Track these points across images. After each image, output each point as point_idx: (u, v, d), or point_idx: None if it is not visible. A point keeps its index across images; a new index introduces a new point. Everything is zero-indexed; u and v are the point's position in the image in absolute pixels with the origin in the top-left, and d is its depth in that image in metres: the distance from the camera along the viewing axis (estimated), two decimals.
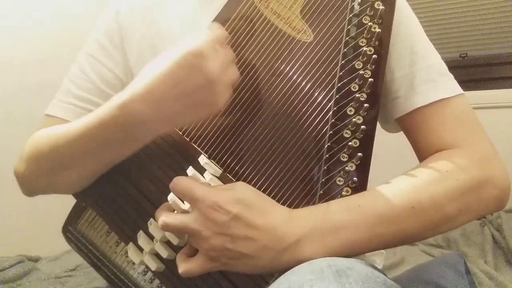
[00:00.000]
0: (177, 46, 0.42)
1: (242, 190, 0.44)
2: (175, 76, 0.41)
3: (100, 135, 0.45)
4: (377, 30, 0.47)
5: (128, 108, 0.42)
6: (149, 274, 0.53)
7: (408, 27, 0.55)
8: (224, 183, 0.48)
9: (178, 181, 0.45)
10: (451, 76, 0.54)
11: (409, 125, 0.54)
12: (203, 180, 0.48)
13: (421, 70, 0.53)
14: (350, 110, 0.47)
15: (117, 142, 0.46)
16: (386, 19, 0.48)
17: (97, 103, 0.60)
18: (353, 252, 0.44)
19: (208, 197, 0.42)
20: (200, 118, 0.48)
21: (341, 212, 0.44)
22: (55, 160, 0.50)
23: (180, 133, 0.51)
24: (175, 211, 0.47)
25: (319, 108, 0.48)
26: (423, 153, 0.53)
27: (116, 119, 0.43)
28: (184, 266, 0.44)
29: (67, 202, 0.57)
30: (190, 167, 0.50)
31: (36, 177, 0.54)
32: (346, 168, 0.47)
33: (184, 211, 0.46)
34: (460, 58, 1.63)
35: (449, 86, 0.53)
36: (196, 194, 0.43)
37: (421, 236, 0.47)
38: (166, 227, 0.44)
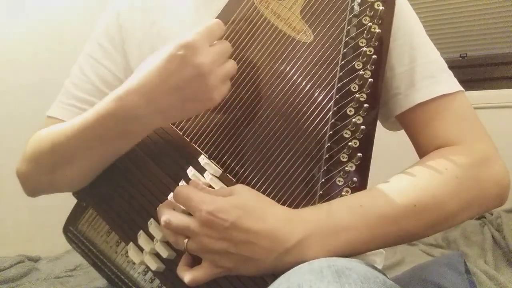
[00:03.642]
0: (172, 42, 0.42)
1: (240, 194, 0.44)
2: (167, 68, 0.42)
3: (97, 129, 0.46)
4: (377, 30, 0.47)
5: (122, 101, 0.43)
6: (149, 274, 0.53)
7: (407, 24, 0.55)
8: (224, 183, 0.48)
9: (178, 190, 0.45)
10: (450, 73, 0.54)
11: (409, 121, 0.54)
12: (203, 180, 0.48)
13: (421, 66, 0.53)
14: (350, 111, 0.47)
15: (114, 136, 0.46)
16: (385, 20, 0.48)
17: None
18: (355, 251, 0.44)
19: (205, 205, 0.42)
20: (195, 111, 0.48)
21: (342, 212, 0.44)
22: (55, 156, 0.51)
23: (180, 133, 0.51)
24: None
25: (319, 109, 0.48)
26: (423, 150, 0.53)
27: (111, 113, 0.44)
28: (190, 275, 0.43)
29: (67, 202, 0.57)
30: (190, 167, 0.50)
31: (37, 176, 0.54)
32: (346, 168, 0.47)
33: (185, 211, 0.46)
34: (460, 58, 1.63)
35: (449, 82, 0.53)
36: (193, 203, 0.43)
37: (423, 234, 0.47)
38: (168, 225, 0.43)
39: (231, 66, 0.45)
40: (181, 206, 0.45)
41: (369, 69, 0.47)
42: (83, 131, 0.47)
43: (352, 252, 0.44)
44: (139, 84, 0.43)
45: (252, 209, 0.42)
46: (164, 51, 0.42)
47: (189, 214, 0.44)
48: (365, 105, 0.46)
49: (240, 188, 0.45)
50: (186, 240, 0.43)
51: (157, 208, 0.47)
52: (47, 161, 0.52)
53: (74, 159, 0.50)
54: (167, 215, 0.44)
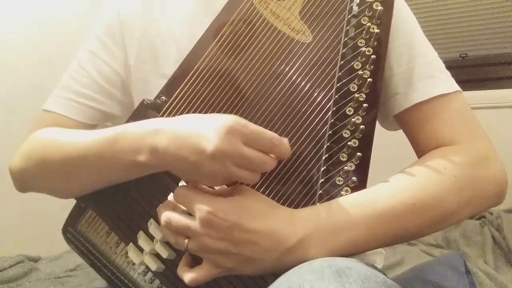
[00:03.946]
0: (222, 121, 0.40)
1: (241, 194, 0.44)
2: (190, 143, 0.41)
3: (113, 157, 0.46)
4: (376, 30, 0.47)
5: (152, 140, 0.43)
6: (149, 274, 0.53)
7: (406, 24, 0.55)
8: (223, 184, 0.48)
9: (178, 191, 0.45)
10: (448, 73, 0.55)
11: (408, 121, 0.55)
12: None
13: (419, 66, 0.53)
14: (349, 110, 0.47)
15: (128, 167, 0.46)
16: (384, 20, 0.48)
17: (96, 99, 0.60)
18: (356, 250, 0.44)
19: (206, 205, 0.41)
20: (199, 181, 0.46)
21: (342, 212, 0.44)
22: (62, 170, 0.51)
23: None
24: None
25: (318, 108, 0.48)
26: (421, 149, 0.53)
27: (134, 147, 0.44)
28: (190, 276, 0.43)
29: (67, 202, 0.57)
30: None
31: (37, 180, 0.54)
32: (346, 168, 0.47)
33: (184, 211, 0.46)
34: (460, 58, 1.63)
35: (447, 82, 0.53)
36: (194, 202, 0.43)
37: (422, 233, 0.47)
38: (168, 225, 0.43)
39: (246, 175, 0.42)
40: (182, 206, 0.45)
41: (368, 69, 0.47)
42: (98, 153, 0.47)
43: (353, 251, 0.44)
44: (175, 126, 0.43)
45: (252, 209, 0.42)
46: (216, 119, 0.41)
47: (190, 214, 0.44)
48: (364, 104, 0.46)
49: (241, 188, 0.45)
50: (186, 240, 0.43)
51: (157, 208, 0.47)
52: (51, 171, 0.52)
53: (81, 175, 0.50)
54: (167, 215, 0.44)
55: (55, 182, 0.52)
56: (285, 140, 0.42)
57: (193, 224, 0.42)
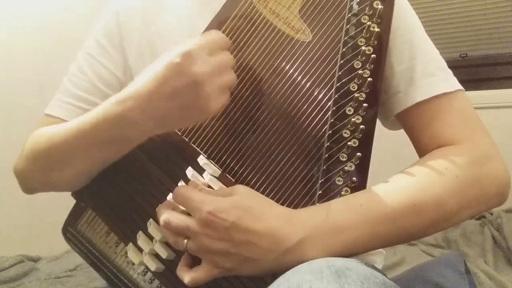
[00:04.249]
0: (172, 49, 0.42)
1: (241, 194, 0.44)
2: (163, 76, 0.41)
3: (94, 133, 0.46)
4: (376, 29, 0.47)
5: (119, 106, 0.43)
6: (149, 274, 0.52)
7: (407, 22, 0.55)
8: (224, 183, 0.48)
9: (177, 191, 0.45)
10: (450, 71, 0.54)
11: (409, 120, 0.54)
12: (202, 180, 0.48)
13: (420, 64, 0.53)
14: (349, 110, 0.47)
15: (110, 141, 0.46)
16: (385, 19, 0.48)
17: (95, 102, 0.60)
18: (355, 251, 0.44)
19: (205, 205, 0.41)
20: (191, 121, 0.47)
21: (342, 212, 0.44)
22: (51, 157, 0.51)
23: (179, 133, 0.51)
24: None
25: (318, 108, 0.48)
26: (423, 149, 0.53)
27: (108, 117, 0.44)
28: (190, 276, 0.43)
29: (67, 202, 0.57)
30: (189, 168, 0.50)
31: (34, 174, 0.54)
32: (345, 168, 0.46)
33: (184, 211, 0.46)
34: (460, 58, 1.63)
35: (449, 81, 0.53)
36: (193, 203, 0.43)
37: (423, 234, 0.47)
38: (167, 225, 0.43)
39: (229, 77, 0.44)
40: (181, 207, 0.45)
41: (368, 68, 0.47)
42: (79, 135, 0.47)
43: (352, 252, 0.43)
44: (137, 90, 0.43)
45: (252, 209, 0.42)
46: (163, 58, 0.42)
47: (189, 214, 0.44)
48: (364, 104, 0.46)
49: (240, 188, 0.45)
50: (185, 241, 0.43)
51: (157, 209, 0.47)
52: (43, 161, 0.52)
53: (70, 160, 0.50)
54: (166, 215, 0.44)
55: (50, 173, 0.52)
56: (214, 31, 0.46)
57: (192, 224, 0.42)
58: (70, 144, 0.48)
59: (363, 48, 0.47)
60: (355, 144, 0.47)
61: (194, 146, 0.51)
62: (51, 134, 0.51)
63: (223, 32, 0.51)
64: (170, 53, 0.42)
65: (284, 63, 0.50)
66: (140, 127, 0.44)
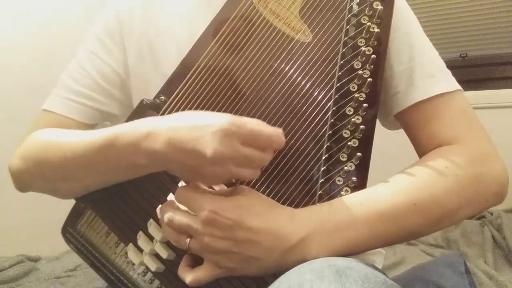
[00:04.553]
0: (218, 123, 0.39)
1: (243, 194, 0.44)
2: (194, 133, 0.40)
3: (111, 155, 0.45)
4: (376, 30, 0.47)
5: (149, 140, 0.42)
6: (149, 274, 0.52)
7: (406, 23, 0.55)
8: (224, 184, 0.48)
9: (179, 191, 0.45)
10: (449, 72, 0.55)
11: (409, 120, 0.54)
12: None
13: (420, 65, 0.53)
14: (349, 110, 0.47)
15: (126, 166, 0.46)
16: (384, 19, 0.48)
17: (96, 98, 0.60)
18: (356, 250, 0.44)
19: (208, 204, 0.41)
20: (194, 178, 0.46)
21: (343, 211, 0.44)
22: (61, 171, 0.51)
23: None
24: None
25: (318, 108, 0.48)
26: (422, 149, 0.53)
27: (135, 145, 0.43)
28: (191, 276, 0.43)
29: (67, 202, 0.57)
30: None
31: (33, 178, 0.54)
32: (346, 168, 0.47)
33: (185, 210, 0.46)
34: (460, 58, 1.63)
35: (448, 81, 0.53)
36: (196, 202, 0.43)
37: (423, 232, 0.47)
38: (170, 223, 0.43)
39: (247, 173, 0.41)
40: (183, 207, 0.45)
41: (368, 68, 0.47)
42: (95, 156, 0.46)
43: (353, 251, 0.44)
44: (168, 128, 0.41)
45: (254, 208, 0.42)
46: (211, 120, 0.40)
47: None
48: (364, 104, 0.46)
49: (242, 188, 0.45)
50: (188, 240, 0.43)
51: (159, 207, 0.47)
52: (50, 172, 0.52)
53: (81, 178, 0.50)
54: (169, 213, 0.44)
55: (54, 183, 0.52)
56: (280, 131, 0.41)
57: (195, 222, 0.42)
58: (82, 163, 0.48)
59: (363, 48, 0.47)
60: (355, 144, 0.47)
61: None
62: (61, 146, 0.50)
63: (223, 32, 0.51)
64: (219, 119, 0.39)
65: (284, 64, 0.50)
66: (163, 162, 0.43)
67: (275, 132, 0.41)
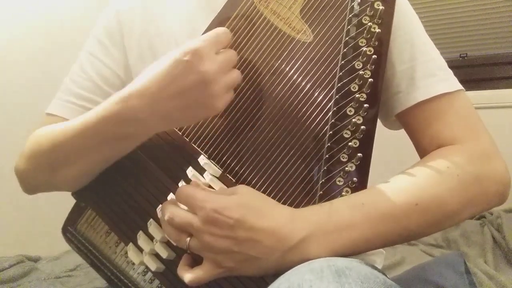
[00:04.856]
0: (179, 47, 0.42)
1: (244, 193, 0.44)
2: (171, 74, 0.42)
3: (97, 131, 0.46)
4: (377, 30, 0.47)
5: (124, 104, 0.43)
6: (149, 274, 0.53)
7: (408, 22, 0.55)
8: (224, 184, 0.48)
9: (180, 190, 0.45)
10: (450, 71, 0.55)
11: (410, 120, 0.54)
12: (203, 180, 0.48)
13: (421, 64, 0.53)
14: (350, 111, 0.47)
15: (114, 138, 0.46)
16: (385, 19, 0.48)
17: (97, 101, 0.60)
18: (357, 250, 0.44)
19: (209, 203, 0.42)
20: (197, 118, 0.48)
21: (344, 211, 0.44)
22: (54, 156, 0.51)
23: (180, 133, 0.51)
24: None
25: (319, 109, 0.48)
26: (423, 149, 0.53)
27: (112, 115, 0.44)
28: (191, 275, 0.43)
29: (67, 202, 0.57)
30: (190, 168, 0.50)
31: (36, 174, 0.54)
32: (346, 168, 0.47)
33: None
34: (460, 58, 1.63)
35: (449, 81, 0.53)
36: (197, 201, 0.43)
37: (424, 233, 0.47)
38: (171, 222, 0.43)
39: (235, 75, 0.46)
40: (184, 206, 0.45)
41: (369, 69, 0.47)
42: (83, 132, 0.47)
43: (354, 251, 0.44)
44: (142, 87, 0.43)
45: (255, 207, 0.42)
46: (170, 56, 0.42)
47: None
48: (365, 105, 0.46)
49: (243, 188, 0.45)
50: (188, 239, 0.43)
51: (161, 206, 0.47)
52: (47, 160, 0.52)
53: (73, 159, 0.50)
54: (171, 211, 0.44)
55: (53, 173, 0.52)
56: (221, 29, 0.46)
57: (196, 221, 0.42)
58: (73, 143, 0.48)
59: (364, 48, 0.47)
60: (355, 144, 0.47)
61: (195, 146, 0.51)
62: (53, 133, 0.51)
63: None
64: (177, 51, 0.42)
65: (285, 64, 0.50)
66: (145, 124, 0.44)
67: (219, 30, 0.45)
